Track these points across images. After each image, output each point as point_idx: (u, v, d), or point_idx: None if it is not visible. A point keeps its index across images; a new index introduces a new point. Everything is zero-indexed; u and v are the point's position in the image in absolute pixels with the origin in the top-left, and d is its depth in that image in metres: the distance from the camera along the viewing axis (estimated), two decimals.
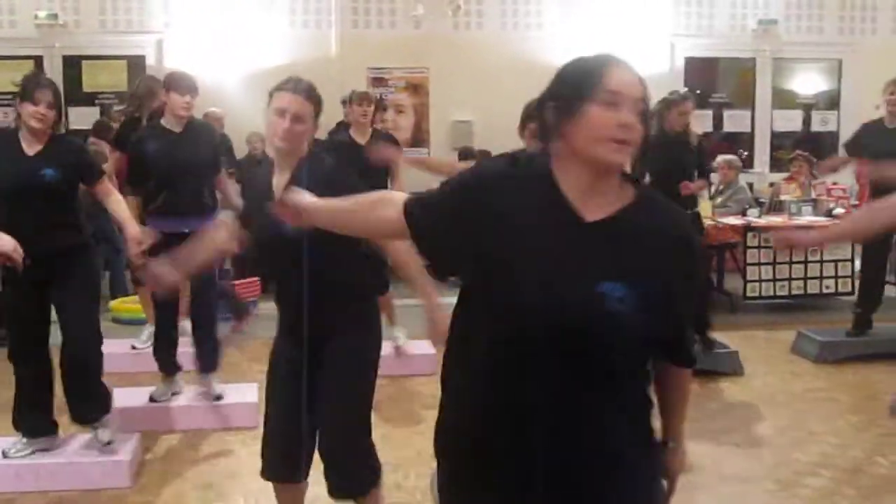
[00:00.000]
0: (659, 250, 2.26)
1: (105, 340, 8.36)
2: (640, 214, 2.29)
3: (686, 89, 8.31)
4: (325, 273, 3.65)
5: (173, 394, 6.65)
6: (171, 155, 6.26)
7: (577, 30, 12.19)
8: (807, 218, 10.35)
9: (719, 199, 10.70)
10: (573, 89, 2.27)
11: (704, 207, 9.71)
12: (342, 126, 10.98)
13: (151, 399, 6.57)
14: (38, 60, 11.84)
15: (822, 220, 10.29)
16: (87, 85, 12.01)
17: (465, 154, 11.65)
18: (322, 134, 10.97)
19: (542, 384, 2.24)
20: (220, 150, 6.80)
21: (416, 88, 12.27)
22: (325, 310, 3.72)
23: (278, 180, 3.80)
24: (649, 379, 2.47)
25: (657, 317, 2.23)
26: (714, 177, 10.92)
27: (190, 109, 6.33)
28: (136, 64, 11.95)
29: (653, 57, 12.45)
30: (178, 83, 6.32)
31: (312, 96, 3.88)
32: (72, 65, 11.95)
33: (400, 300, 8.24)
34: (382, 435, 6.37)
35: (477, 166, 2.57)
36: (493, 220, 2.28)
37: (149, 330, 7.68)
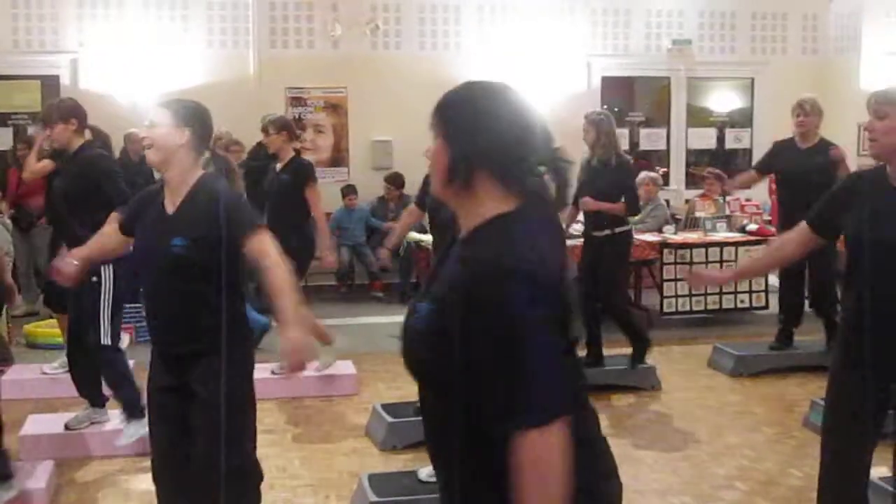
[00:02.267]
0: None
1: (20, 365, 8.31)
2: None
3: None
4: (193, 294, 3.92)
5: (92, 423, 6.49)
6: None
7: (495, 51, 12.28)
8: (721, 234, 10.54)
9: (638, 216, 10.81)
10: None
11: None
12: (262, 146, 10.93)
13: (67, 427, 6.42)
14: None
15: (736, 235, 10.49)
16: (0, 105, 11.80)
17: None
18: (243, 154, 10.96)
19: None
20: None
21: (335, 108, 12.24)
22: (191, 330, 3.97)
23: (168, 203, 4.02)
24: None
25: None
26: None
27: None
28: (50, 84, 11.77)
29: (570, 77, 12.59)
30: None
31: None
32: None
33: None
34: (303, 457, 6.37)
35: None
36: None
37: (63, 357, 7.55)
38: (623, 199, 7.69)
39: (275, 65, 11.95)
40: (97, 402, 6.46)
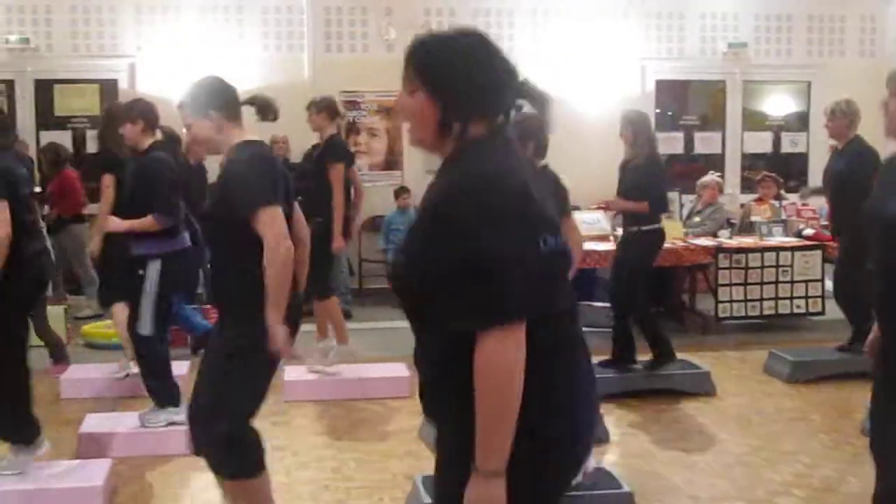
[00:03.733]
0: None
1: (79, 365, 8.42)
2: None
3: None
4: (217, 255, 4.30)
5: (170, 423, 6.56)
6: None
7: (548, 53, 12.27)
8: (777, 239, 10.45)
9: (696, 219, 10.76)
10: None
11: (674, 228, 9.75)
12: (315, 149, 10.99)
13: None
14: (10, 84, 11.78)
15: (792, 240, 10.39)
16: (60, 109, 11.95)
17: None
18: (297, 155, 11.04)
19: None
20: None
21: (389, 112, 12.28)
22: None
23: None
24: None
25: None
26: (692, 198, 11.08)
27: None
28: (108, 88, 11.92)
29: (624, 80, 12.54)
30: None
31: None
32: (44, 89, 11.88)
33: (369, 323, 8.28)
34: (358, 458, 6.39)
35: None
36: None
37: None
38: (648, 199, 7.57)
39: (329, 68, 12.01)
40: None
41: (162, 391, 6.43)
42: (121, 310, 7.33)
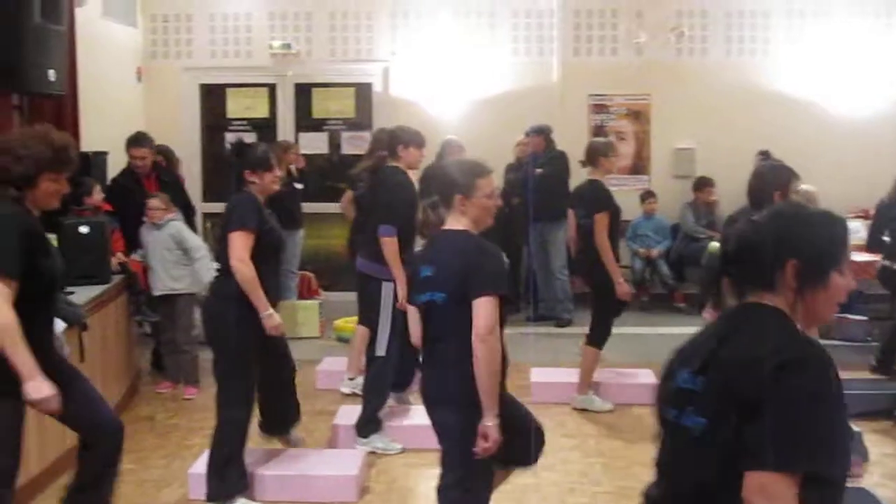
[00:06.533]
0: None
1: (330, 359, 8.73)
2: None
3: None
4: None
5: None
6: None
7: (805, 57, 11.85)
8: None
9: None
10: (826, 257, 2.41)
11: None
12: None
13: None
14: (272, 88, 12.34)
15: None
16: (317, 111, 12.42)
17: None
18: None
19: None
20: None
21: (637, 115, 12.17)
22: None
23: None
24: None
25: None
26: None
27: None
28: (363, 91, 12.32)
29: (883, 83, 11.93)
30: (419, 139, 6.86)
31: None
32: (302, 92, 12.40)
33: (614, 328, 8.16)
34: (604, 464, 6.37)
35: None
36: None
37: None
38: None
39: (578, 72, 12.01)
40: None
41: (374, 417, 6.52)
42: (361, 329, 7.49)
